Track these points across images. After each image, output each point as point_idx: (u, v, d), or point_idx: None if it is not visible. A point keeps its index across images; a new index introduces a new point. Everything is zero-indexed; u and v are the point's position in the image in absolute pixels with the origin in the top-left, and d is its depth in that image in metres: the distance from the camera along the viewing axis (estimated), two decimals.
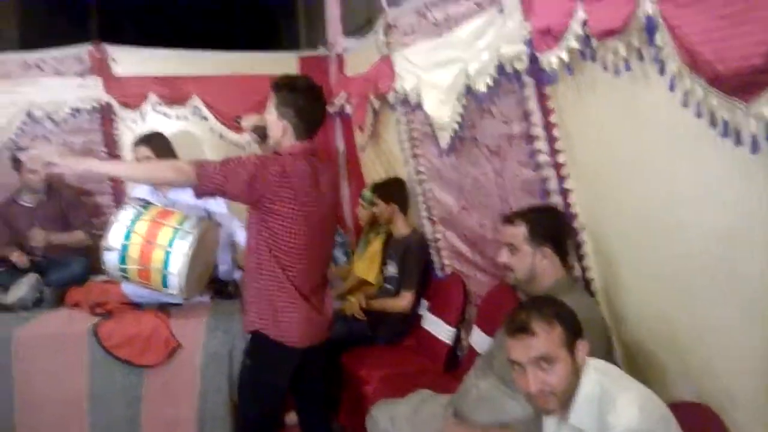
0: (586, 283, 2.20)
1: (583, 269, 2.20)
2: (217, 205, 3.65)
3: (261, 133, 2.63)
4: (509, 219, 2.11)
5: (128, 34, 6.44)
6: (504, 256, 2.09)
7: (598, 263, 2.14)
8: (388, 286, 3.45)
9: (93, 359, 3.03)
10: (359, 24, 6.89)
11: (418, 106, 2.95)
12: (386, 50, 3.25)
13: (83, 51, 3.98)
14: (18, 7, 8.72)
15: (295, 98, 2.30)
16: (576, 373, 1.57)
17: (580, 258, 2.18)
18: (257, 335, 2.35)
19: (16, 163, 3.71)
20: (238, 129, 4.22)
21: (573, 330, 1.58)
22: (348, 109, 4.00)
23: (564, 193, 2.15)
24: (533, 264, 2.03)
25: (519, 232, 2.05)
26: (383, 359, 3.17)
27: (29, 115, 3.99)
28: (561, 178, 2.14)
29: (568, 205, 2.14)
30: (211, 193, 2.23)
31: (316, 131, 2.39)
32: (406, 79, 3.07)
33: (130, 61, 4.08)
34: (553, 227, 2.08)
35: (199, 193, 2.22)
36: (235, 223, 3.59)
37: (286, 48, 6.31)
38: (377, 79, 3.36)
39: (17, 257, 3.60)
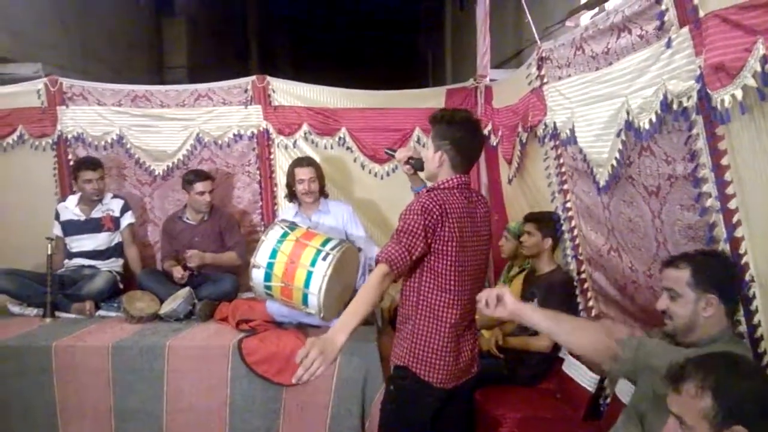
0: (754, 341, 1.98)
1: (751, 326, 1.98)
2: (356, 229, 3.75)
3: (414, 164, 2.65)
4: (672, 262, 1.94)
5: (285, 72, 6.90)
6: (663, 302, 1.93)
7: None
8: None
9: (235, 372, 3.20)
10: (507, 56, 6.86)
11: (569, 140, 2.85)
12: (538, 83, 3.19)
13: (248, 82, 4.30)
14: (188, 46, 9.99)
15: (452, 131, 2.30)
16: None
17: (750, 313, 1.97)
18: (405, 368, 2.33)
19: (188, 184, 4.05)
20: (380, 161, 4.34)
21: (731, 411, 1.37)
22: (493, 140, 3.96)
23: (734, 241, 1.96)
24: (694, 312, 1.86)
25: (681, 276, 1.88)
26: (520, 401, 3.05)
27: (198, 139, 4.37)
28: (731, 225, 1.95)
29: (738, 254, 1.94)
30: (407, 268, 2.22)
31: (472, 165, 2.38)
32: (557, 113, 2.98)
33: (288, 93, 4.36)
34: (721, 274, 1.89)
35: (400, 276, 2.23)
36: (373, 248, 3.65)
37: (434, 79, 6.42)
38: (527, 112, 3.30)
39: (178, 273, 3.89)
